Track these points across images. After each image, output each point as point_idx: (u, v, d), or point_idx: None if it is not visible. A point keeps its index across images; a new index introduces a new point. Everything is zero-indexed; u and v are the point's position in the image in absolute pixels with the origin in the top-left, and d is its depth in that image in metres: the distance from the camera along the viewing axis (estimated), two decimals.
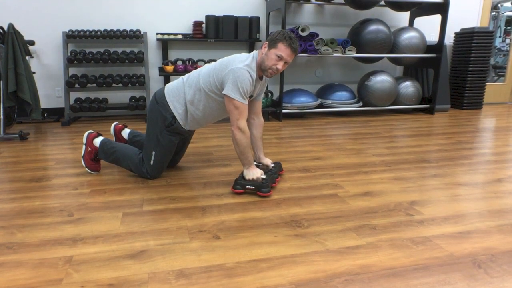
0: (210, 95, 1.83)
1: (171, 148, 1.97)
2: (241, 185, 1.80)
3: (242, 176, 1.84)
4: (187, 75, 1.94)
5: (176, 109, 1.89)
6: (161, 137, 1.91)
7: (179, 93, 1.88)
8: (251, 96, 1.88)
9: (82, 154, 2.09)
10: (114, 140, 2.30)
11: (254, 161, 2.05)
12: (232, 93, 1.72)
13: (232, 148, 2.69)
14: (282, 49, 1.73)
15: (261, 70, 1.82)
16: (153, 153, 1.94)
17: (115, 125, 2.30)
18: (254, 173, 1.81)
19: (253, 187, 1.78)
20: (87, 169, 2.09)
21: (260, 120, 2.04)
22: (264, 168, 2.02)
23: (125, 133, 2.28)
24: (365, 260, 1.23)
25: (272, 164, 2.05)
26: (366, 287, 1.09)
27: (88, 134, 2.07)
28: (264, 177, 1.83)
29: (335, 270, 1.17)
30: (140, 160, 1.97)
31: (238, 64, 1.73)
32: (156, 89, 4.11)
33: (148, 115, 1.97)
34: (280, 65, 1.76)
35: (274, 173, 1.92)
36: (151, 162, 1.95)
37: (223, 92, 1.75)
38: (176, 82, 1.94)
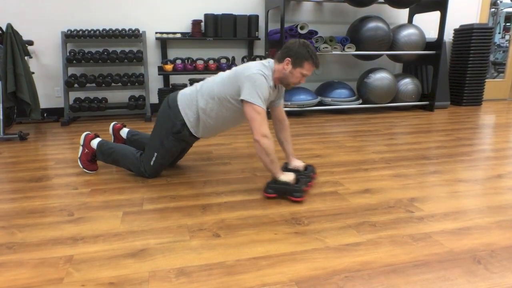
0: (224, 104, 1.80)
1: (174, 153, 1.97)
2: (274, 189, 1.71)
3: (274, 180, 1.74)
4: (201, 83, 1.90)
5: (188, 116, 1.86)
6: (166, 141, 1.90)
7: (192, 101, 1.85)
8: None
9: (79, 155, 2.09)
10: (113, 139, 2.31)
11: (286, 163, 2.00)
12: (252, 99, 1.67)
13: (232, 147, 2.69)
14: (308, 68, 1.72)
15: (281, 83, 1.80)
16: (155, 154, 1.93)
17: (113, 125, 2.31)
18: (288, 176, 1.73)
19: (286, 191, 1.69)
20: (84, 169, 2.10)
21: (285, 124, 1.99)
22: (295, 171, 1.91)
23: (124, 132, 2.28)
24: (365, 257, 1.23)
25: (304, 166, 1.97)
26: (366, 283, 1.09)
27: (86, 135, 2.08)
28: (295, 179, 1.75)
29: (335, 267, 1.18)
30: (139, 159, 1.97)
31: (253, 70, 1.70)
32: (156, 89, 4.12)
33: (158, 116, 1.95)
34: (303, 81, 1.78)
35: (307, 176, 1.82)
36: (151, 163, 1.94)
37: (242, 97, 1.69)
38: (189, 90, 1.91)
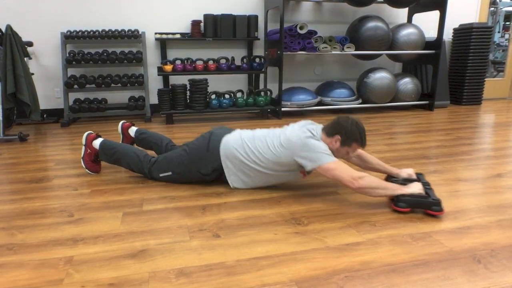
0: (274, 173, 1.75)
1: (186, 181, 1.94)
2: (407, 202, 1.52)
3: (402, 194, 1.55)
4: (246, 136, 1.80)
5: (228, 169, 1.81)
6: (188, 173, 1.86)
7: (235, 159, 1.78)
8: None
9: (82, 156, 2.08)
10: (121, 138, 2.31)
11: (391, 177, 1.80)
12: (318, 162, 1.59)
13: None
14: (355, 148, 1.70)
15: None
16: (170, 173, 1.89)
17: (122, 124, 2.31)
18: (415, 188, 1.56)
19: (422, 204, 1.52)
20: (87, 170, 2.09)
21: (363, 155, 1.86)
22: (410, 180, 1.72)
23: (132, 131, 2.29)
24: (365, 256, 1.24)
25: (414, 174, 1.80)
26: (366, 283, 1.09)
27: (87, 135, 2.06)
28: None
29: (335, 267, 1.18)
30: (142, 161, 1.95)
31: (302, 134, 1.66)
32: (155, 89, 4.12)
33: (192, 148, 1.84)
34: (346, 157, 1.77)
35: (427, 185, 1.65)
36: (160, 175, 1.92)
37: (309, 169, 1.63)
38: (233, 139, 1.79)
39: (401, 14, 4.75)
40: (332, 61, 4.66)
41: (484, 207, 1.64)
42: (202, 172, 1.84)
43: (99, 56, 3.66)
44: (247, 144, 1.76)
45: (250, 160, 1.75)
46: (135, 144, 2.27)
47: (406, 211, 1.55)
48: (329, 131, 1.70)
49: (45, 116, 3.81)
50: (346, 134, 1.66)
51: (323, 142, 1.67)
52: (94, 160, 2.08)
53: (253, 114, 4.22)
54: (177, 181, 1.93)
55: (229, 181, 1.84)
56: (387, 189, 1.57)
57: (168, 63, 3.67)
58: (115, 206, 1.66)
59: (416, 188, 1.57)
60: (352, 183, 1.55)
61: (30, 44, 3.56)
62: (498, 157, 2.41)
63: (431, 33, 4.88)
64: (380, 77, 4.12)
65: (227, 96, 4.08)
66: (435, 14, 4.84)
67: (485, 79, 4.82)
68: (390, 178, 1.79)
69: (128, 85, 3.73)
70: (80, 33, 3.65)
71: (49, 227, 1.46)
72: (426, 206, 1.52)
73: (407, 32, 4.17)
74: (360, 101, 4.23)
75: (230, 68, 3.78)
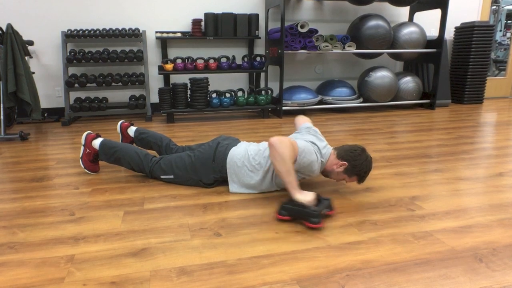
0: (272, 183, 1.76)
1: (187, 185, 1.92)
2: (288, 210, 1.46)
3: (290, 200, 1.48)
4: (252, 159, 1.75)
5: (232, 177, 1.80)
6: (190, 180, 1.86)
7: (241, 173, 1.77)
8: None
9: (80, 155, 2.07)
10: (121, 138, 2.30)
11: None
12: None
13: None
14: (353, 180, 1.71)
15: (323, 171, 1.76)
16: (172, 176, 1.89)
17: (121, 123, 2.30)
18: (306, 196, 1.47)
19: (302, 214, 1.43)
20: (85, 170, 2.08)
21: None
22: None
23: (131, 130, 2.27)
24: (366, 255, 1.23)
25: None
26: (368, 282, 1.09)
27: (87, 135, 2.04)
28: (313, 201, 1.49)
29: (336, 265, 1.17)
30: (143, 161, 1.94)
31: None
32: (156, 88, 4.12)
33: (198, 156, 1.83)
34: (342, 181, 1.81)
35: (329, 204, 1.51)
36: (162, 176, 1.92)
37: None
38: (239, 153, 1.78)
39: (403, 12, 4.74)
40: (333, 60, 4.65)
41: (486, 206, 1.63)
42: (204, 181, 1.84)
43: (100, 55, 3.65)
44: (253, 157, 1.75)
45: (256, 173, 1.74)
46: (134, 144, 2.26)
47: (287, 219, 1.48)
48: (340, 154, 1.69)
49: (46, 115, 3.81)
50: (354, 165, 1.66)
51: (321, 166, 1.68)
52: (92, 160, 2.07)
53: (254, 113, 4.22)
54: (177, 183, 1.93)
55: (230, 186, 1.82)
56: (289, 176, 1.48)
57: (168, 62, 3.67)
58: (116, 204, 1.66)
59: (306, 197, 1.46)
60: (272, 139, 1.50)
61: (31, 43, 3.56)
62: (499, 156, 2.40)
63: (432, 32, 4.87)
64: (381, 76, 4.11)
65: (228, 95, 4.08)
66: (437, 12, 4.83)
67: (487, 78, 4.81)
68: None
69: (129, 84, 3.72)
70: (81, 32, 3.65)
71: (50, 226, 1.46)
72: (305, 218, 1.42)
73: (408, 31, 4.16)
74: (361, 100, 4.22)
75: (231, 67, 3.78)
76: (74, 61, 3.63)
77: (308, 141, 1.70)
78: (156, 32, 3.94)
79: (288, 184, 1.49)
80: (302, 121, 1.98)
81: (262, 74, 4.42)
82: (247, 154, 1.77)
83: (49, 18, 3.74)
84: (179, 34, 3.91)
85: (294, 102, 3.94)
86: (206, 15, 3.88)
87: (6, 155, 2.51)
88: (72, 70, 3.87)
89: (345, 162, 1.66)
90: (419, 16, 4.77)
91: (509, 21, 5.39)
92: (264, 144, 1.81)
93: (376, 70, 4.17)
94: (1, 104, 2.98)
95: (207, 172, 1.82)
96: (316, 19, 4.47)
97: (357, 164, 1.65)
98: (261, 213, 1.57)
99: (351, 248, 1.28)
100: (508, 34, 5.39)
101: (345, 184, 1.91)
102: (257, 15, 4.03)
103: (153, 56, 4.06)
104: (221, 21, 3.90)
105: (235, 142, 1.89)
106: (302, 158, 1.60)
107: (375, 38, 4.01)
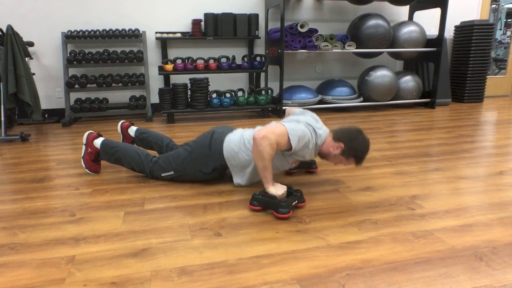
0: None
1: (189, 179, 1.94)
2: (258, 201, 1.57)
3: (262, 192, 1.60)
4: (248, 144, 1.75)
5: (232, 165, 1.82)
6: (190, 172, 1.87)
7: (238, 158, 1.78)
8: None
9: (82, 155, 2.08)
10: (121, 138, 2.30)
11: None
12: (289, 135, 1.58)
13: None
14: (351, 163, 1.70)
15: (320, 154, 1.75)
16: (172, 172, 1.90)
17: (121, 123, 2.30)
18: (278, 190, 1.57)
19: (271, 205, 1.54)
20: (87, 170, 2.09)
21: None
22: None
23: (132, 130, 2.28)
24: (366, 254, 1.23)
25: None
26: (368, 281, 1.09)
27: (88, 134, 2.05)
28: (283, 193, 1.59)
29: (336, 265, 1.18)
30: (144, 161, 1.95)
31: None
32: (156, 89, 4.13)
33: (194, 148, 1.85)
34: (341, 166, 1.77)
35: (299, 196, 1.61)
36: (163, 175, 1.93)
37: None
38: (235, 139, 1.80)
39: (402, 11, 4.74)
40: (333, 59, 4.65)
41: (486, 205, 1.63)
42: (203, 171, 1.85)
43: (100, 55, 3.66)
44: (249, 141, 1.76)
45: (251, 157, 1.75)
46: (135, 144, 2.27)
47: (258, 209, 1.58)
48: (336, 135, 1.69)
49: (46, 116, 3.81)
50: (351, 147, 1.65)
51: (316, 147, 1.68)
52: (94, 160, 2.07)
53: (254, 113, 4.22)
54: (179, 179, 1.93)
55: (233, 178, 1.86)
56: (265, 171, 1.58)
57: (169, 62, 3.67)
58: (117, 205, 1.67)
59: (277, 190, 1.57)
60: (259, 135, 1.54)
61: (31, 44, 3.56)
62: (499, 155, 2.40)
63: (432, 31, 4.87)
64: (381, 75, 4.11)
65: (228, 95, 4.08)
66: (436, 11, 4.82)
67: (487, 76, 4.80)
68: None
69: (129, 84, 3.73)
70: (81, 33, 3.65)
71: (51, 227, 1.46)
72: (274, 208, 1.53)
73: (408, 30, 4.16)
74: (361, 99, 4.22)
75: (231, 67, 3.78)
76: (74, 62, 3.63)
77: (303, 121, 1.68)
78: (156, 32, 3.94)
79: (263, 178, 1.61)
80: (294, 109, 1.97)
81: (262, 74, 4.42)
82: (243, 138, 1.78)
83: (49, 19, 3.75)
84: (179, 35, 3.91)
85: (295, 102, 3.94)
86: (206, 15, 3.89)
87: (7, 156, 2.52)
88: (72, 71, 3.88)
89: (341, 144, 1.65)
90: (419, 15, 4.76)
91: (509, 20, 5.38)
92: (259, 128, 1.79)
93: (376, 69, 4.17)
94: (2, 105, 2.98)
95: (205, 160, 1.83)
96: (316, 19, 4.47)
97: (353, 145, 1.65)
98: (261, 213, 1.57)
99: (351, 247, 1.28)
100: (508, 33, 5.38)
101: (345, 183, 1.91)
102: (257, 15, 4.03)
103: (153, 56, 4.06)
104: (221, 21, 3.90)
105: (231, 130, 1.90)
106: (297, 144, 1.60)
107: (375, 37, 4.01)
